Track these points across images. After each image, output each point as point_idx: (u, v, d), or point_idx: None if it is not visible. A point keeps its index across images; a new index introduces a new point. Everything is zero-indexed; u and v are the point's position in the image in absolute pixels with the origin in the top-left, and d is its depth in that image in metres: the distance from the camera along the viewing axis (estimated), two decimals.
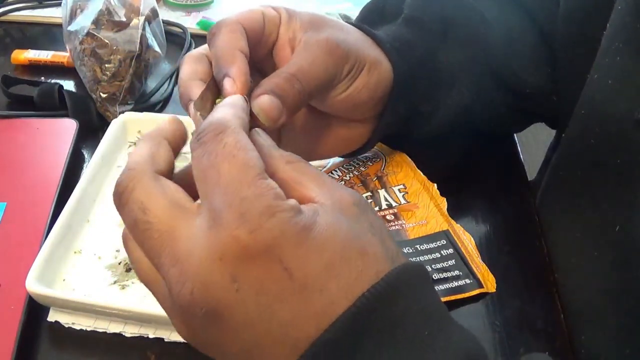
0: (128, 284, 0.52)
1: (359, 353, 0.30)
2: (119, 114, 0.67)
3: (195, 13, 0.89)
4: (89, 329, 0.50)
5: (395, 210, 0.57)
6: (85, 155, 0.67)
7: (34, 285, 0.49)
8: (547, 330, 0.50)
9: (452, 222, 0.56)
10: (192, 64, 0.44)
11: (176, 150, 0.37)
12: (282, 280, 0.30)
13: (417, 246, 0.53)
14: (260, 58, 0.48)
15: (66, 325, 0.50)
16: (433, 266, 0.52)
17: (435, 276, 0.51)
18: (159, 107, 0.74)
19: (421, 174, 0.59)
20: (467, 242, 0.54)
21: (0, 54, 0.81)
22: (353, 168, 0.61)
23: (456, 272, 0.52)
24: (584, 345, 0.49)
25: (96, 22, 0.70)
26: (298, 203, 0.32)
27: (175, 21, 0.86)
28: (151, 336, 0.49)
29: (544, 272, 0.55)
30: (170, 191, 0.33)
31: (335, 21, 0.50)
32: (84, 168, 0.64)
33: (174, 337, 0.49)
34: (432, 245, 0.53)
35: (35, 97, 0.70)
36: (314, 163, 0.58)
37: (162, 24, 0.77)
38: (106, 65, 0.70)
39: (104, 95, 0.70)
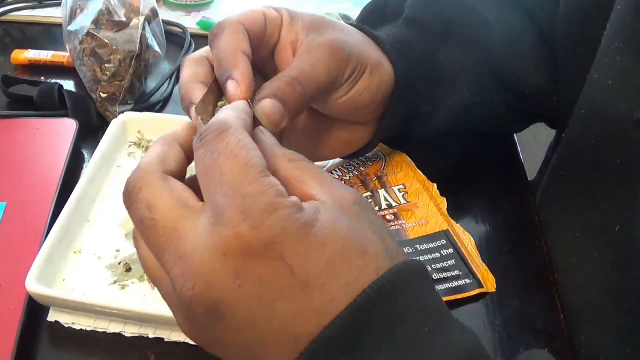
0: (128, 284, 0.52)
1: (359, 350, 0.31)
2: (119, 114, 0.67)
3: (195, 13, 0.89)
4: (89, 329, 0.50)
5: (395, 210, 0.57)
6: (85, 155, 0.67)
7: (34, 285, 0.49)
8: (547, 330, 0.50)
9: (452, 222, 0.56)
10: (193, 67, 0.44)
11: (189, 154, 0.37)
12: (284, 276, 0.31)
13: (417, 246, 0.53)
14: (262, 59, 0.48)
15: (66, 325, 0.50)
16: (433, 266, 0.52)
17: (435, 276, 0.51)
18: (159, 107, 0.74)
19: (421, 174, 0.59)
20: (467, 242, 0.54)
21: (0, 54, 0.81)
22: (353, 168, 0.61)
23: (456, 272, 0.52)
24: (584, 345, 0.49)
25: (96, 22, 0.70)
26: (299, 201, 0.32)
27: (175, 21, 0.86)
28: (151, 336, 0.49)
29: (544, 272, 0.55)
30: (177, 190, 0.34)
31: (337, 23, 0.50)
32: (84, 168, 0.64)
33: (174, 337, 0.49)
34: (432, 245, 0.53)
35: (35, 97, 0.70)
36: (315, 163, 0.59)
37: (162, 24, 0.77)
38: (106, 65, 0.70)
39: (104, 95, 0.70)
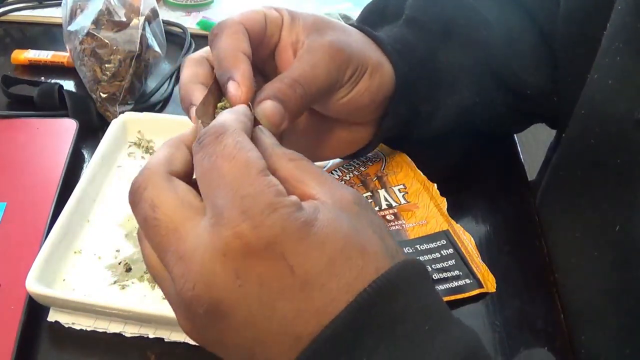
0: (128, 284, 0.52)
1: (358, 349, 0.31)
2: (119, 114, 0.67)
3: (195, 13, 0.89)
4: (89, 329, 0.50)
5: (395, 210, 0.57)
6: (85, 155, 0.67)
7: (34, 285, 0.49)
8: (547, 330, 0.50)
9: (452, 222, 0.56)
10: (192, 67, 0.44)
11: None
12: (284, 276, 0.31)
13: (417, 246, 0.53)
14: (262, 59, 0.48)
15: (66, 325, 0.50)
16: (433, 266, 0.52)
17: (435, 276, 0.51)
18: (159, 107, 0.74)
19: (421, 174, 0.59)
20: (467, 242, 0.54)
21: (0, 54, 0.81)
22: (353, 168, 0.61)
23: (456, 272, 0.52)
24: (584, 345, 0.49)
25: (96, 22, 0.70)
26: (299, 200, 0.32)
27: (175, 21, 0.86)
28: (151, 336, 0.49)
29: (544, 272, 0.55)
30: (180, 191, 0.34)
31: (338, 23, 0.50)
32: (84, 168, 0.64)
33: (174, 337, 0.49)
34: (432, 245, 0.53)
35: (35, 97, 0.70)
36: (315, 163, 0.59)
37: (162, 24, 0.77)
38: (106, 65, 0.70)
39: (104, 95, 0.70)
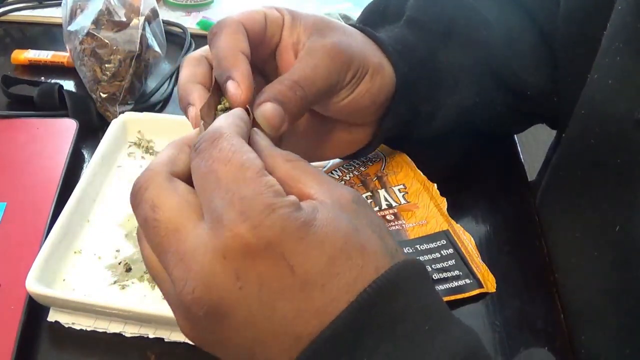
0: (128, 284, 0.52)
1: (359, 349, 0.31)
2: (119, 114, 0.67)
3: (195, 13, 0.89)
4: (89, 329, 0.50)
5: (395, 210, 0.57)
6: (85, 155, 0.67)
7: (34, 285, 0.49)
8: (547, 330, 0.50)
9: (452, 222, 0.56)
10: (191, 67, 0.44)
11: None
12: (284, 276, 0.31)
13: (417, 246, 0.53)
14: (262, 60, 0.48)
15: (66, 325, 0.50)
16: (433, 266, 0.52)
17: (435, 276, 0.51)
18: (159, 107, 0.74)
19: (421, 174, 0.59)
20: (467, 242, 0.54)
21: (0, 54, 0.81)
22: (353, 168, 0.61)
23: (456, 272, 0.52)
24: (584, 345, 0.49)
25: (96, 22, 0.70)
26: (297, 200, 0.32)
27: (175, 21, 0.86)
28: (151, 336, 0.49)
29: (544, 272, 0.55)
30: (182, 192, 0.34)
31: (339, 24, 0.49)
32: (84, 168, 0.64)
33: (174, 337, 0.49)
34: (432, 245, 0.53)
35: (35, 97, 0.70)
36: (314, 163, 0.59)
37: (162, 24, 0.77)
38: (106, 65, 0.70)
39: (104, 95, 0.70)
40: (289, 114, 0.42)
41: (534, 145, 0.90)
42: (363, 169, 0.60)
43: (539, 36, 0.59)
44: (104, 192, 0.60)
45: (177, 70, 0.77)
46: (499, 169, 0.64)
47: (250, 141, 0.36)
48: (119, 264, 0.54)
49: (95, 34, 0.70)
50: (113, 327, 0.50)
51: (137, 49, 0.70)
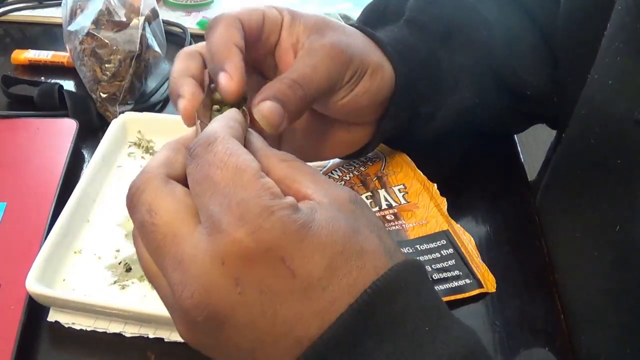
0: (128, 284, 0.52)
1: (359, 351, 0.31)
2: (119, 114, 0.67)
3: (195, 13, 0.89)
4: (89, 329, 0.50)
5: (395, 210, 0.57)
6: (85, 155, 0.67)
7: (34, 285, 0.49)
8: (547, 330, 0.50)
9: (452, 222, 0.56)
10: (184, 61, 0.44)
11: None
12: (285, 280, 0.31)
13: (417, 246, 0.53)
14: (260, 58, 0.48)
15: (66, 325, 0.50)
16: (433, 266, 0.52)
17: (435, 276, 0.51)
18: (159, 107, 0.74)
19: (421, 174, 0.59)
20: (467, 242, 0.54)
21: (0, 54, 0.81)
22: (353, 168, 0.61)
23: (456, 272, 0.52)
24: (584, 345, 0.49)
25: (96, 22, 0.70)
26: (295, 201, 0.32)
27: (175, 21, 0.86)
28: (151, 336, 0.49)
29: (544, 272, 0.55)
30: (179, 194, 0.33)
31: (339, 24, 0.49)
32: (84, 168, 0.64)
33: (174, 337, 0.49)
34: (432, 245, 0.53)
35: (35, 97, 0.70)
36: (314, 163, 0.59)
37: (162, 24, 0.77)
38: (106, 65, 0.70)
39: (104, 95, 0.70)
40: (288, 112, 0.42)
41: (534, 145, 0.90)
42: (363, 169, 0.60)
43: (539, 36, 0.59)
44: (104, 192, 0.60)
45: None
46: (499, 169, 0.64)
47: (245, 142, 0.36)
48: (119, 264, 0.54)
49: (95, 34, 0.70)
50: (113, 327, 0.50)
51: (137, 49, 0.70)
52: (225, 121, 0.36)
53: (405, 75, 0.52)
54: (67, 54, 0.76)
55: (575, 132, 0.52)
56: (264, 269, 0.31)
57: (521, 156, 0.66)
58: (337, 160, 0.61)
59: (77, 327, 0.50)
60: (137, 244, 0.35)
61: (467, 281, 0.51)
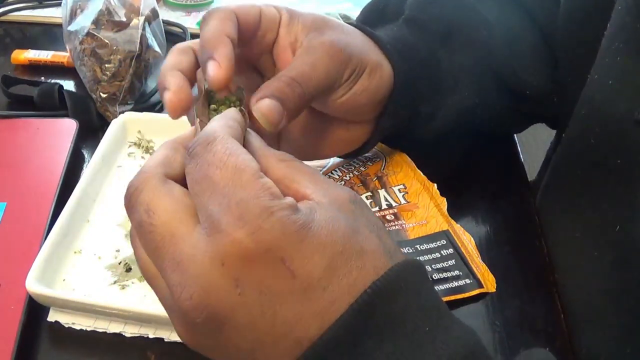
0: (128, 284, 0.52)
1: (359, 351, 0.31)
2: (119, 114, 0.67)
3: (195, 13, 0.89)
4: (89, 329, 0.50)
5: (395, 210, 0.57)
6: (85, 155, 0.67)
7: (34, 285, 0.49)
8: (547, 330, 0.50)
9: (452, 222, 0.56)
10: (175, 55, 0.44)
11: None
12: (285, 280, 0.31)
13: (417, 246, 0.53)
14: (257, 56, 0.48)
15: (66, 325, 0.50)
16: (433, 266, 0.52)
17: (435, 276, 0.51)
18: (159, 107, 0.74)
19: (421, 174, 0.59)
20: (467, 242, 0.54)
21: (0, 54, 0.81)
22: (353, 168, 0.61)
23: (456, 272, 0.52)
24: (584, 345, 0.49)
25: (96, 22, 0.70)
26: (295, 201, 0.32)
27: (175, 21, 0.86)
28: (151, 336, 0.49)
29: (544, 272, 0.55)
30: (177, 195, 0.33)
31: (338, 23, 0.49)
32: (84, 168, 0.64)
33: (174, 337, 0.49)
34: (432, 245, 0.53)
35: (35, 97, 0.70)
36: (314, 163, 0.59)
37: (162, 24, 0.77)
38: (106, 65, 0.70)
39: (104, 95, 0.70)
40: (287, 110, 0.42)
41: (534, 145, 0.90)
42: (363, 169, 0.60)
43: (539, 36, 0.59)
44: (104, 192, 0.60)
45: None
46: (499, 169, 0.64)
47: (243, 142, 0.36)
48: (119, 264, 0.54)
49: (95, 34, 0.70)
50: (113, 327, 0.50)
51: (137, 49, 0.70)
52: (225, 120, 0.36)
53: (404, 73, 0.52)
54: (67, 54, 0.76)
55: (575, 132, 0.52)
56: (264, 269, 0.30)
57: (521, 156, 0.66)
58: (337, 160, 0.61)
59: (77, 327, 0.50)
60: (134, 245, 0.35)
61: (467, 281, 0.51)
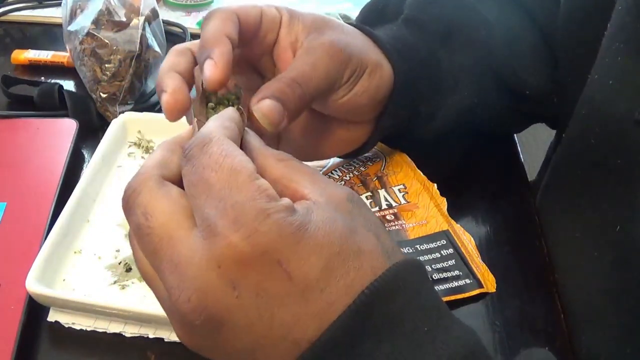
0: (128, 284, 0.52)
1: (357, 351, 0.31)
2: (119, 114, 0.67)
3: (195, 13, 0.89)
4: (89, 329, 0.50)
5: (395, 210, 0.57)
6: (85, 155, 0.67)
7: (34, 285, 0.49)
8: (547, 330, 0.50)
9: (452, 222, 0.56)
10: (173, 57, 0.43)
11: None
12: (282, 282, 0.31)
13: (417, 246, 0.53)
14: (257, 57, 0.48)
15: (66, 325, 0.50)
16: (433, 266, 0.52)
17: (435, 276, 0.51)
18: (159, 107, 0.73)
19: (421, 174, 0.59)
20: (467, 242, 0.54)
21: (0, 54, 0.81)
22: (353, 168, 0.61)
23: (456, 272, 0.52)
24: (584, 345, 0.49)
25: (96, 22, 0.70)
26: (291, 202, 0.32)
27: (175, 21, 0.86)
28: (151, 336, 0.49)
29: (544, 272, 0.55)
30: (174, 197, 0.33)
31: (338, 23, 0.49)
32: (84, 168, 0.64)
33: (174, 337, 0.49)
34: (432, 245, 0.53)
35: (35, 97, 0.70)
36: (314, 163, 0.59)
37: (162, 24, 0.77)
38: (106, 65, 0.70)
39: (104, 95, 0.70)
40: (287, 111, 0.42)
41: (534, 145, 0.90)
42: (363, 169, 0.60)
43: (539, 36, 0.59)
44: (104, 192, 0.60)
45: None
46: (499, 169, 0.64)
47: (242, 141, 0.36)
48: (119, 264, 0.54)
49: (95, 34, 0.70)
50: (113, 327, 0.50)
51: (137, 49, 0.70)
52: (221, 121, 0.35)
53: (404, 72, 0.52)
54: (67, 54, 0.76)
55: (575, 132, 0.52)
56: (260, 272, 0.30)
57: (521, 156, 0.66)
58: (337, 160, 0.61)
59: (77, 327, 0.50)
60: (133, 246, 0.35)
61: (467, 281, 0.51)
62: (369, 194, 0.58)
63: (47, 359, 0.49)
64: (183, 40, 0.82)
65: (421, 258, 0.52)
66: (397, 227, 0.55)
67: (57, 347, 0.50)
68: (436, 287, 0.50)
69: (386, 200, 0.58)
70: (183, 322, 0.32)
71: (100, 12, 0.70)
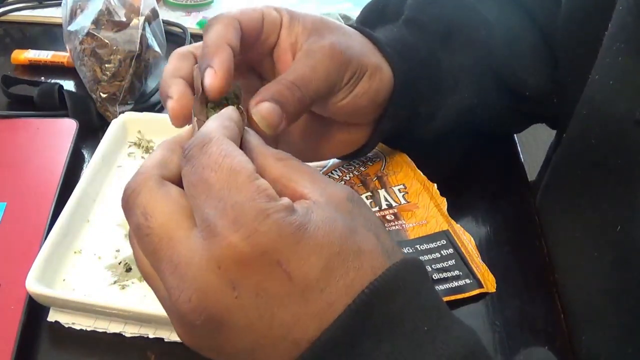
0: (128, 284, 0.52)
1: (357, 351, 0.31)
2: (119, 114, 0.67)
3: (195, 13, 0.89)
4: (89, 329, 0.50)
5: (395, 210, 0.57)
6: (85, 155, 0.67)
7: (34, 285, 0.49)
8: (547, 330, 0.50)
9: (452, 222, 0.56)
10: (176, 61, 0.44)
11: None
12: (282, 282, 0.31)
13: (417, 246, 0.53)
14: (258, 59, 0.48)
15: (66, 325, 0.50)
16: (433, 266, 0.52)
17: (435, 276, 0.51)
18: (159, 107, 0.74)
19: (421, 174, 0.59)
20: (467, 242, 0.54)
21: (0, 54, 0.81)
22: (353, 168, 0.60)
23: (456, 272, 0.52)
24: (584, 345, 0.49)
25: (96, 22, 0.70)
26: (291, 202, 0.32)
27: (175, 21, 0.86)
28: (151, 336, 0.49)
29: (544, 272, 0.55)
30: (174, 197, 0.33)
31: (338, 25, 0.49)
32: (84, 168, 0.64)
33: (174, 337, 0.49)
34: (432, 245, 0.53)
35: (35, 97, 0.70)
36: (314, 163, 0.59)
37: (162, 24, 0.77)
38: (106, 65, 0.70)
39: (104, 95, 0.70)
40: (286, 114, 0.42)
41: (534, 145, 0.90)
42: (363, 169, 0.60)
43: (539, 36, 0.59)
44: (104, 192, 0.60)
45: None
46: (499, 169, 0.64)
47: (241, 141, 0.36)
48: (119, 264, 0.54)
49: (95, 34, 0.70)
50: (113, 327, 0.50)
51: (137, 49, 0.70)
52: (221, 121, 0.35)
53: (404, 73, 0.52)
54: (67, 54, 0.76)
55: (575, 132, 0.52)
56: (260, 272, 0.30)
57: (521, 156, 0.66)
58: (336, 160, 0.61)
59: (77, 327, 0.50)
60: (133, 246, 0.35)
61: (467, 281, 0.51)
62: (369, 194, 0.58)
63: (47, 359, 0.49)
64: (183, 40, 0.82)
65: (421, 258, 0.52)
66: (397, 227, 0.55)
67: (57, 347, 0.50)
68: (436, 287, 0.50)
69: (386, 200, 0.58)
70: (183, 322, 0.32)
71: (100, 12, 0.70)
